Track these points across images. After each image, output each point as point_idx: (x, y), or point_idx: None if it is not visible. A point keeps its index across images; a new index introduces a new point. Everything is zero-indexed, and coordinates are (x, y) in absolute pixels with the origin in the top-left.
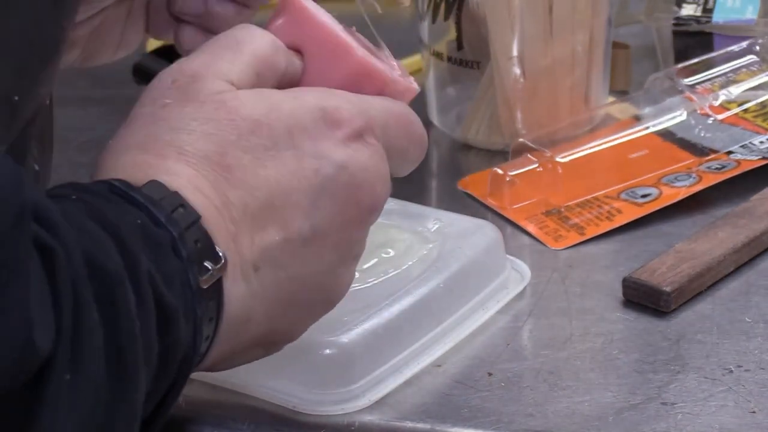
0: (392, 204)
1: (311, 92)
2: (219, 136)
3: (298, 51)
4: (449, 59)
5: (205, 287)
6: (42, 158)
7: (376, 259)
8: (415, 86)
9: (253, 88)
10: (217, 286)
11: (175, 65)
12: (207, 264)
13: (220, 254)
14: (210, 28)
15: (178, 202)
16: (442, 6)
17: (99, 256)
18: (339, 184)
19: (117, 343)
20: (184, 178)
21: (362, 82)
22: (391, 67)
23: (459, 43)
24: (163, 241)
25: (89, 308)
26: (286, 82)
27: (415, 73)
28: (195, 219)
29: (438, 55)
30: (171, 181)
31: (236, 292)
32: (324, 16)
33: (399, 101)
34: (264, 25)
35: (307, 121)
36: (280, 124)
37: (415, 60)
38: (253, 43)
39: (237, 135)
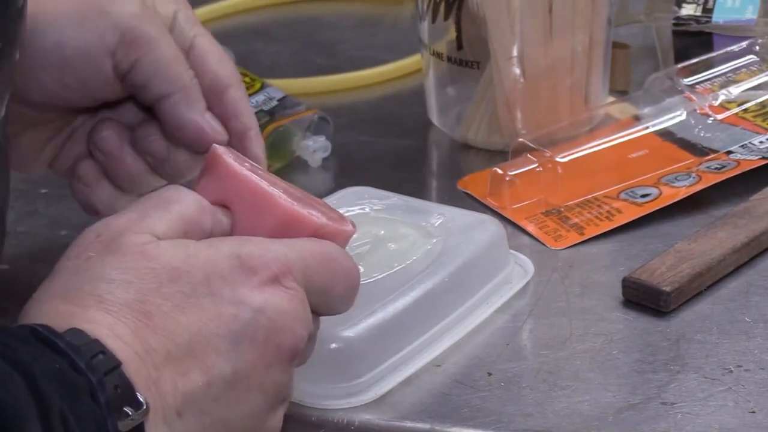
0: (395, 199)
1: (227, 241)
2: (139, 285)
3: (226, 206)
4: (449, 59)
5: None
6: None
7: (380, 254)
8: (349, 228)
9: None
10: None
11: (101, 221)
12: (127, 409)
13: (141, 400)
14: (165, 174)
15: (98, 349)
16: (442, 6)
17: None
18: (258, 328)
19: None
20: (104, 325)
21: (291, 229)
22: (322, 213)
23: (459, 43)
24: (81, 385)
25: None
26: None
27: (415, 73)
28: (115, 365)
29: (438, 55)
30: (92, 329)
31: None
32: (246, 171)
33: (324, 241)
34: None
35: (224, 268)
36: (198, 271)
37: (415, 60)
38: (181, 203)
39: (157, 283)
